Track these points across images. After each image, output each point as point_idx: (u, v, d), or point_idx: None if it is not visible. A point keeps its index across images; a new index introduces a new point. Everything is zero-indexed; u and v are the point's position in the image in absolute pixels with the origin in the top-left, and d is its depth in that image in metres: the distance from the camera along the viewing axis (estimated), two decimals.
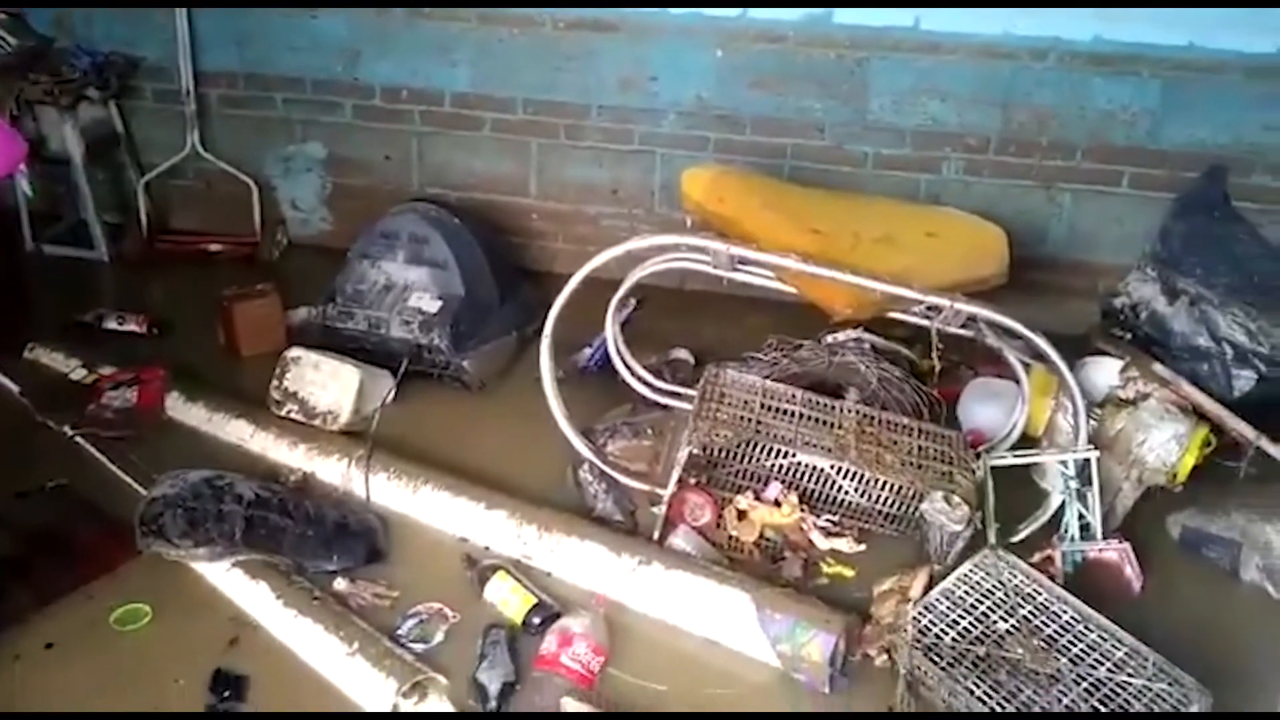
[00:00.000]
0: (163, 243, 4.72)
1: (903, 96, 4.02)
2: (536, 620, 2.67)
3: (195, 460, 3.11)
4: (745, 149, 4.18)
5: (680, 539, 2.96)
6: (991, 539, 2.88)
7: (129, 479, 3.21)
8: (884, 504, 3.02)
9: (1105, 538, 2.95)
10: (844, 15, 3.94)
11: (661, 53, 4.12)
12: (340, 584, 2.84)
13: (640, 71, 4.17)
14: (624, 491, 3.17)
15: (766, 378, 3.32)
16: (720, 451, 3.04)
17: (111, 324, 4.09)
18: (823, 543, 2.99)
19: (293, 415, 3.45)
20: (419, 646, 2.64)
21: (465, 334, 3.73)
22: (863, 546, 3.00)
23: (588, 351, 3.79)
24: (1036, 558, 2.89)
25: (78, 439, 3.39)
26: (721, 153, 4.19)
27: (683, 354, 3.81)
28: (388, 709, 2.45)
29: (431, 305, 3.73)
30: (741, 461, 3.06)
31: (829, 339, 3.63)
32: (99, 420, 3.49)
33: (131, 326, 4.09)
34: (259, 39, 4.45)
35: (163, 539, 2.81)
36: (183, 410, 3.55)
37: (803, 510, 3.03)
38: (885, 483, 2.99)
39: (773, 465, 3.05)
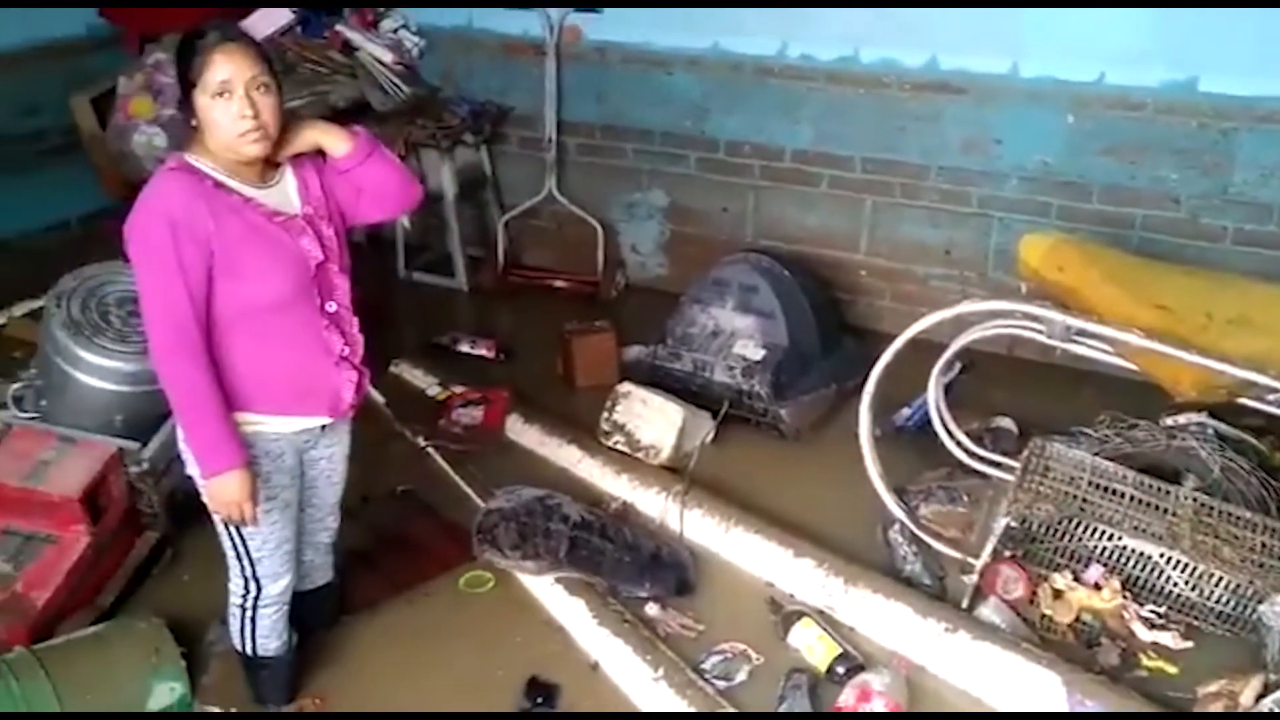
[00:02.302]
0: (514, 276, 5.12)
1: (1273, 170, 3.76)
2: (840, 670, 2.69)
3: (527, 479, 3.37)
4: (1090, 218, 4.04)
5: (990, 610, 2.89)
6: None
7: (468, 490, 3.52)
8: (1217, 601, 2.82)
9: None
10: (1211, 83, 3.75)
11: (1008, 116, 4.08)
12: (651, 610, 2.97)
13: (985, 134, 4.14)
14: (934, 556, 3.13)
15: (1096, 455, 3.18)
16: (1040, 526, 2.95)
17: (464, 347, 4.48)
18: (1145, 634, 2.84)
19: (619, 446, 3.64)
20: (721, 683, 2.72)
21: (786, 383, 3.81)
22: (1189, 643, 2.82)
23: (906, 411, 3.77)
24: None
25: (429, 449, 3.75)
26: (1064, 220, 4.07)
27: (1006, 423, 3.71)
28: None
29: (755, 353, 3.84)
30: (1062, 539, 2.96)
31: (1168, 421, 3.42)
32: (448, 434, 3.83)
33: (481, 351, 4.46)
34: (617, 93, 4.78)
35: (495, 548, 3.06)
36: (520, 431, 3.85)
37: (1125, 597, 2.89)
38: (1221, 578, 2.79)
39: (1096, 546, 2.93)
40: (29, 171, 4.88)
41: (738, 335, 3.91)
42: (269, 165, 2.22)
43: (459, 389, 4.07)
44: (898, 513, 3.20)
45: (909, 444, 3.66)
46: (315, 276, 2.24)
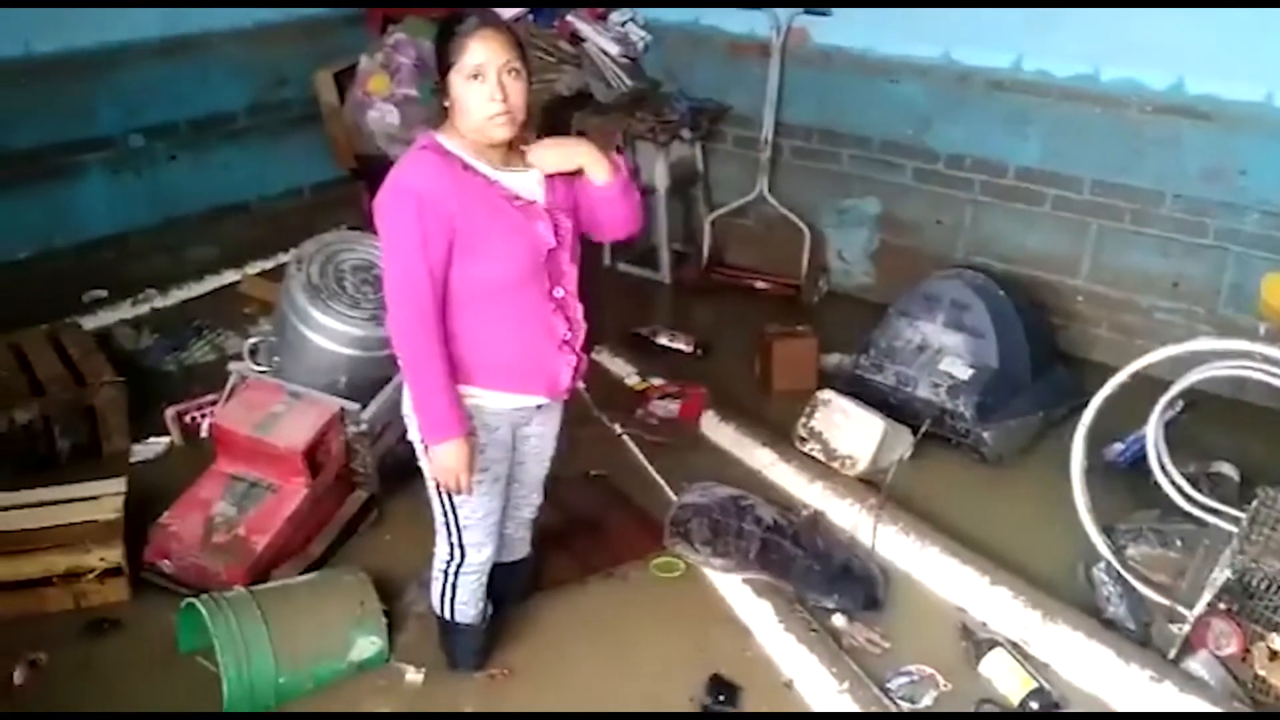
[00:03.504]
0: (717, 274, 5.13)
1: None
2: (1034, 705, 2.60)
3: (719, 477, 3.39)
4: None
5: (1198, 664, 2.74)
6: None
7: (660, 481, 3.55)
8: None
9: None
10: None
11: (1257, 146, 3.85)
12: (837, 622, 2.94)
13: (1228, 163, 3.91)
14: (1139, 600, 2.99)
15: None
16: (1262, 582, 2.78)
17: (663, 340, 4.53)
18: None
19: (814, 453, 3.61)
20: (905, 705, 2.67)
21: (991, 406, 3.70)
22: None
23: (1119, 446, 3.61)
24: None
25: (624, 437, 3.80)
26: None
27: (1227, 468, 3.50)
28: None
29: (963, 372, 3.74)
30: None
31: None
32: (644, 424, 3.89)
33: (680, 345, 4.50)
34: (838, 97, 4.73)
35: (687, 542, 3.09)
36: (714, 428, 3.86)
37: None
38: None
39: None
40: (274, 139, 5.17)
41: (945, 352, 3.82)
42: (513, 150, 2.29)
43: (657, 381, 4.12)
44: (1105, 551, 3.07)
45: (1119, 481, 3.50)
46: (546, 262, 2.30)
